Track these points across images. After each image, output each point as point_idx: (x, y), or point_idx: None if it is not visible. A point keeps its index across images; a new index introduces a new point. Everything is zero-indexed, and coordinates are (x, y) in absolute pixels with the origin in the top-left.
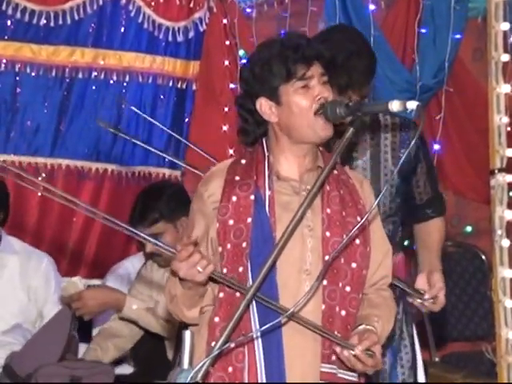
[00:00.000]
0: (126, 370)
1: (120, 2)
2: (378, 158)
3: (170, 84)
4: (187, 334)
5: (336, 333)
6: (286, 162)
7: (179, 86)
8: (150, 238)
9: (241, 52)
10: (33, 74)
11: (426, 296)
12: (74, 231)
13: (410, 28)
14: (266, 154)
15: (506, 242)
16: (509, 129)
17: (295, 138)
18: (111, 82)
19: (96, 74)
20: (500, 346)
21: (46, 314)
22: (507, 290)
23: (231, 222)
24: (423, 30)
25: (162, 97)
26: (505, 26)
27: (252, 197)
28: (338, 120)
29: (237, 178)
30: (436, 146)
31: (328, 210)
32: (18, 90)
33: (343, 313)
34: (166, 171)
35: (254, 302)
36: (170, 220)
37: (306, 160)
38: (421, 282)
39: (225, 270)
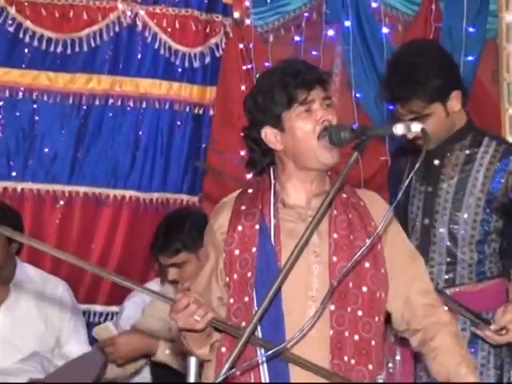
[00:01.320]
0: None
1: (136, 29)
2: (465, 185)
3: (187, 110)
4: (192, 360)
5: (347, 358)
6: (292, 189)
7: (196, 111)
8: (147, 290)
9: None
10: (50, 102)
11: (492, 327)
12: (92, 258)
13: None
14: (273, 182)
15: None
16: None
17: (301, 165)
18: (128, 108)
19: (113, 100)
20: None
21: (64, 343)
22: None
23: (237, 252)
24: None
25: (178, 123)
26: None
27: (257, 226)
28: (343, 144)
29: (243, 207)
30: None
31: (335, 235)
32: (36, 117)
33: (356, 337)
34: (184, 197)
35: (259, 329)
36: (192, 250)
37: (314, 186)
38: (497, 313)
39: (231, 301)
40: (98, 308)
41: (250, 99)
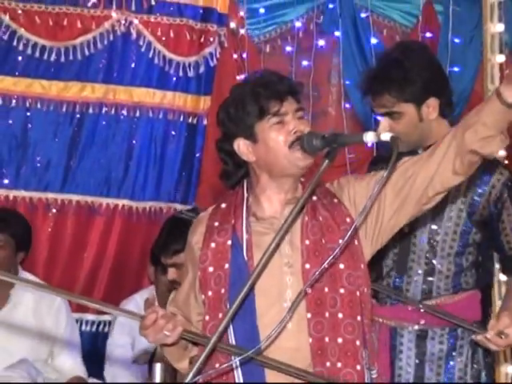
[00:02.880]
0: None
1: (130, 38)
2: (447, 196)
3: (181, 119)
4: (158, 366)
5: (330, 364)
6: (266, 201)
7: (190, 121)
8: (114, 310)
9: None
10: (43, 110)
11: (488, 334)
12: (84, 266)
13: None
14: (245, 196)
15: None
16: (506, 162)
17: (275, 173)
18: (122, 117)
19: (106, 109)
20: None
21: (57, 354)
22: None
23: (211, 269)
24: None
25: (172, 132)
26: (500, 58)
27: (229, 242)
28: (315, 152)
29: (216, 223)
30: None
31: (307, 241)
32: (29, 125)
33: (340, 340)
34: (178, 206)
35: (232, 335)
36: None
37: (288, 195)
38: (490, 322)
39: (207, 318)
40: (90, 317)
41: (223, 111)
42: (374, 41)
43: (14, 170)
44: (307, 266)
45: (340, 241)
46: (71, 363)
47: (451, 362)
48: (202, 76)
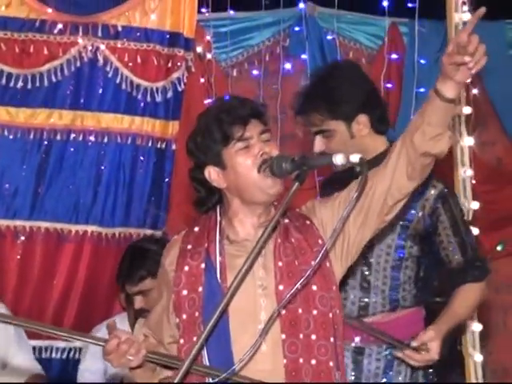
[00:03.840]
0: None
1: (97, 64)
2: None
3: (150, 144)
4: None
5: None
6: (239, 225)
7: (159, 146)
8: (78, 337)
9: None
10: (10, 137)
11: (412, 343)
12: (54, 294)
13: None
14: (219, 219)
15: None
16: (473, 182)
17: (247, 199)
18: (90, 143)
19: (74, 135)
20: None
21: (11, 357)
22: (476, 343)
23: (185, 292)
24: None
25: (141, 157)
26: None
27: (203, 265)
28: (285, 175)
29: (189, 246)
30: None
31: (280, 263)
32: None
33: (313, 362)
34: (148, 232)
35: (206, 359)
36: (157, 276)
37: (261, 219)
38: (420, 334)
39: (182, 341)
40: (61, 344)
41: (191, 140)
42: None
43: None
44: (280, 287)
45: (312, 262)
46: (24, 357)
47: (384, 380)
48: (170, 101)
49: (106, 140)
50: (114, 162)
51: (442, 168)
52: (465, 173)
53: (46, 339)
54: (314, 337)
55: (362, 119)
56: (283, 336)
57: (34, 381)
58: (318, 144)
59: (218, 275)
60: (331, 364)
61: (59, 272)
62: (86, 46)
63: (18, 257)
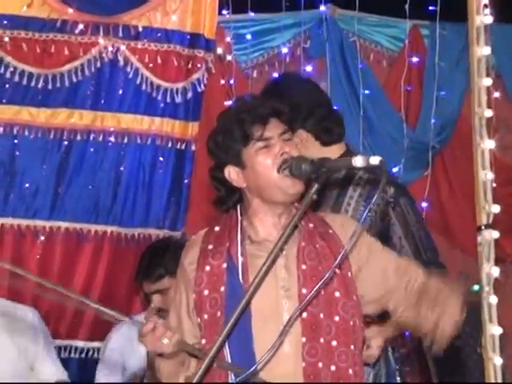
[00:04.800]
0: None
1: (118, 64)
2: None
3: (169, 145)
4: None
5: None
6: (260, 224)
7: (178, 146)
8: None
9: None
10: (31, 137)
11: None
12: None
13: (398, 86)
14: (239, 219)
15: (493, 299)
16: (494, 185)
17: (267, 199)
18: (109, 144)
19: (94, 136)
20: None
21: (39, 366)
22: (496, 347)
23: (206, 292)
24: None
25: (161, 158)
26: (487, 81)
27: (224, 265)
28: (304, 176)
29: (210, 246)
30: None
31: (303, 266)
32: (17, 152)
33: (333, 368)
34: (166, 233)
35: (228, 358)
36: (175, 276)
37: (282, 219)
38: None
39: (203, 341)
40: (80, 343)
41: (211, 140)
42: (360, 66)
43: (2, 197)
44: (304, 290)
45: (337, 270)
46: (54, 369)
47: None
48: (190, 102)
49: (125, 140)
50: (134, 162)
51: (462, 171)
52: (485, 176)
53: (65, 339)
54: (334, 343)
55: (302, 135)
56: (303, 339)
57: None
58: None
59: (240, 275)
60: (350, 372)
61: (78, 272)
62: (107, 46)
63: (38, 256)
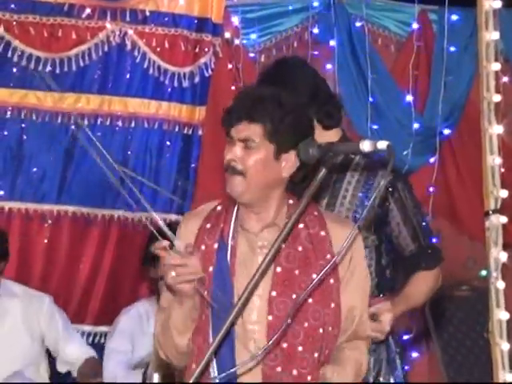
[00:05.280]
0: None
1: (125, 48)
2: (334, 204)
3: (176, 129)
4: (155, 376)
5: None
6: (246, 215)
7: (185, 131)
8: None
9: None
10: (38, 121)
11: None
12: (80, 277)
13: (406, 71)
14: (237, 203)
15: (501, 284)
16: (502, 170)
17: None
18: (117, 128)
19: (101, 120)
20: None
21: (62, 349)
22: (504, 332)
23: None
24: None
25: (168, 142)
26: (496, 66)
27: (216, 245)
28: (312, 161)
29: (208, 225)
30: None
31: (278, 269)
32: (24, 137)
33: (294, 372)
34: (173, 217)
35: (215, 371)
36: None
37: (262, 215)
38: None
39: None
40: (87, 328)
41: None
42: (368, 50)
43: (10, 181)
44: (273, 293)
45: (314, 275)
46: (79, 348)
47: None
48: (197, 86)
49: (133, 125)
50: (141, 147)
51: (470, 156)
52: (493, 161)
53: (72, 323)
54: (300, 348)
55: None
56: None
57: (87, 365)
58: None
59: (229, 257)
60: (309, 378)
61: (86, 256)
62: (114, 30)
63: (46, 240)
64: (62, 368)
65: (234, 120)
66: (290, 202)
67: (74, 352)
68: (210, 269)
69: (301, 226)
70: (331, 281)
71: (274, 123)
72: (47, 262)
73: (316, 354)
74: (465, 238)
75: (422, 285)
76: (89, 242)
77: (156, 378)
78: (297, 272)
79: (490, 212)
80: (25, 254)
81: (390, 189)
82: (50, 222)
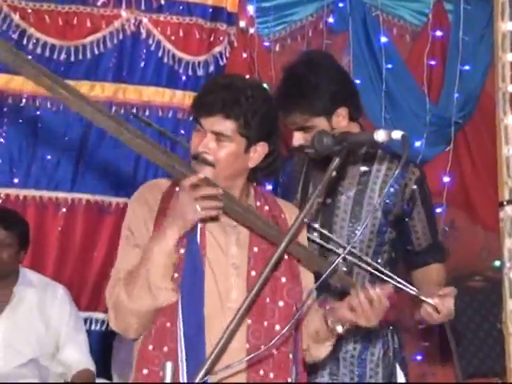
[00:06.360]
0: None
1: (140, 37)
2: (363, 197)
3: (191, 118)
4: (168, 365)
5: (263, 372)
6: None
7: None
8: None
9: None
10: (53, 109)
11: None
12: (94, 265)
13: (421, 61)
14: None
15: None
16: None
17: None
18: (131, 116)
19: (116, 108)
20: (510, 379)
21: (61, 346)
22: None
23: None
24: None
25: (182, 131)
26: (511, 56)
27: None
28: (326, 151)
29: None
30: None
31: (255, 249)
32: (39, 124)
33: (274, 351)
34: None
35: (181, 334)
36: None
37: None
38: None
39: None
40: (100, 315)
41: None
42: (383, 40)
43: (24, 169)
44: (253, 273)
45: (285, 256)
46: (75, 354)
47: (360, 361)
48: (212, 75)
49: (147, 113)
50: (155, 135)
51: (485, 146)
52: (508, 151)
53: (85, 311)
54: (277, 327)
55: (342, 112)
56: (249, 321)
57: (80, 376)
58: (298, 138)
59: (198, 240)
60: (290, 356)
61: (100, 244)
62: (129, 18)
63: (60, 228)
64: (55, 367)
65: (207, 111)
66: (254, 184)
67: (72, 356)
68: (182, 251)
69: (266, 208)
70: (295, 261)
71: (247, 119)
72: (61, 249)
73: (293, 332)
74: (479, 229)
75: (437, 276)
76: (103, 229)
77: (169, 367)
78: (270, 252)
79: (505, 202)
80: (39, 241)
81: (419, 187)
82: (64, 209)
